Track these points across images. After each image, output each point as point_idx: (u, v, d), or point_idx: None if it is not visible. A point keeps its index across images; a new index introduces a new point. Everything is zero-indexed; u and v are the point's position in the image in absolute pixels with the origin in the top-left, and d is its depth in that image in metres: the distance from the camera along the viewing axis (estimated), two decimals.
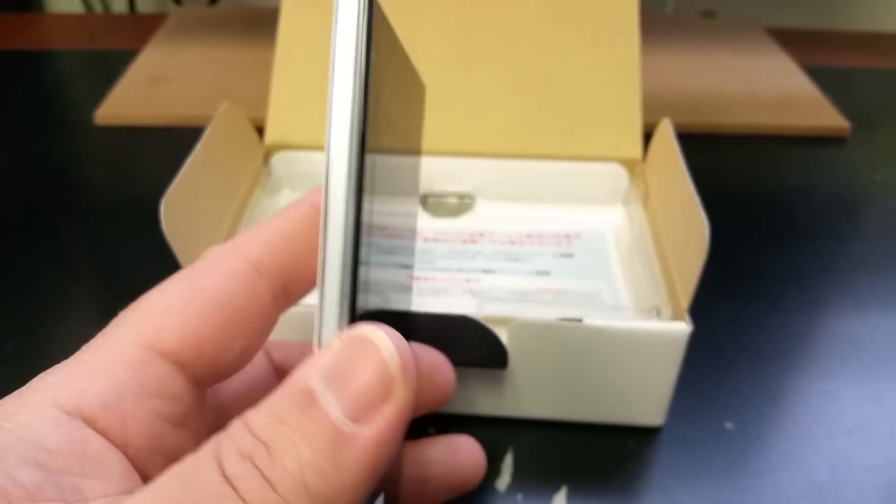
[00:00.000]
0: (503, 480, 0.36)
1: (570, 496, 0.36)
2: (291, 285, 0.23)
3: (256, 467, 0.16)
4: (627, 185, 0.49)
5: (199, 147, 0.41)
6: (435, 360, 0.29)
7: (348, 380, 0.17)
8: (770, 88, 0.72)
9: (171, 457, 0.19)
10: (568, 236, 0.47)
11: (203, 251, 0.24)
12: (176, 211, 0.37)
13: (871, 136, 0.68)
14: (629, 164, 0.49)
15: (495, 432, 0.38)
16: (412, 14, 0.52)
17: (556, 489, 0.36)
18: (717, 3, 0.97)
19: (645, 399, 0.38)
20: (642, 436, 0.39)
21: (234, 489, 0.16)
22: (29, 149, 0.63)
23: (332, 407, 0.16)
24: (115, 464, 0.18)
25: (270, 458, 0.16)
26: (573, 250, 0.46)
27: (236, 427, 0.17)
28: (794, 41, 0.82)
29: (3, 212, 0.55)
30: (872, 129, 0.69)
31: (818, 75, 0.74)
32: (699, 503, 0.36)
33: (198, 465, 0.16)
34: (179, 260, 0.36)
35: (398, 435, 0.17)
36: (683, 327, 0.35)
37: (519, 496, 0.36)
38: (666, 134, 0.43)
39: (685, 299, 0.35)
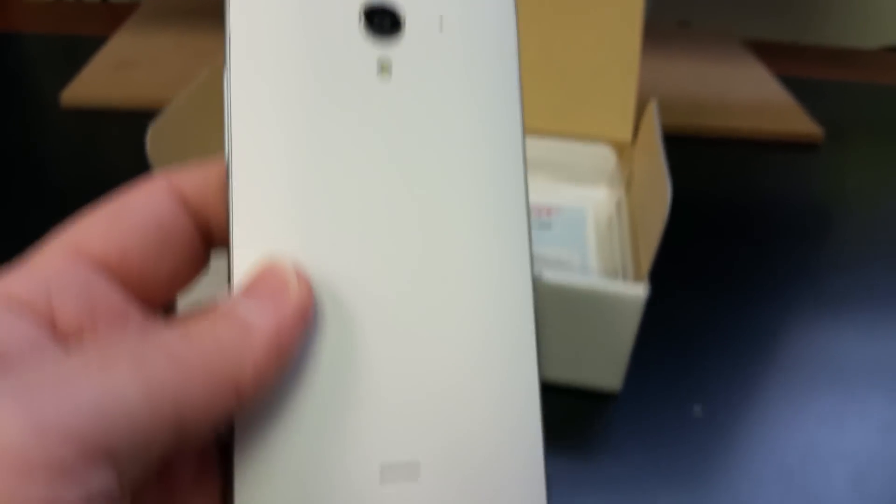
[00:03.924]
0: None
1: None
2: (214, 224, 0.24)
3: (182, 334, 0.19)
4: (614, 167, 0.50)
5: (194, 85, 0.41)
6: None
7: (254, 292, 0.20)
8: (744, 95, 0.72)
9: None
10: (549, 210, 0.48)
11: None
12: (162, 141, 0.37)
13: (844, 145, 0.68)
14: (619, 147, 0.50)
15: None
16: None
17: None
18: (692, 13, 0.97)
19: (603, 361, 0.38)
20: (602, 403, 0.39)
21: (162, 346, 0.18)
22: None
23: (241, 308, 0.20)
24: (46, 343, 0.19)
25: (188, 327, 0.19)
26: (551, 221, 0.47)
27: None
28: (768, 52, 0.82)
29: None
30: (845, 139, 0.69)
31: (792, 85, 0.75)
32: (670, 494, 0.35)
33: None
34: None
35: (296, 325, 0.20)
36: (640, 290, 0.35)
37: None
38: (650, 113, 0.44)
39: (646, 262, 0.35)
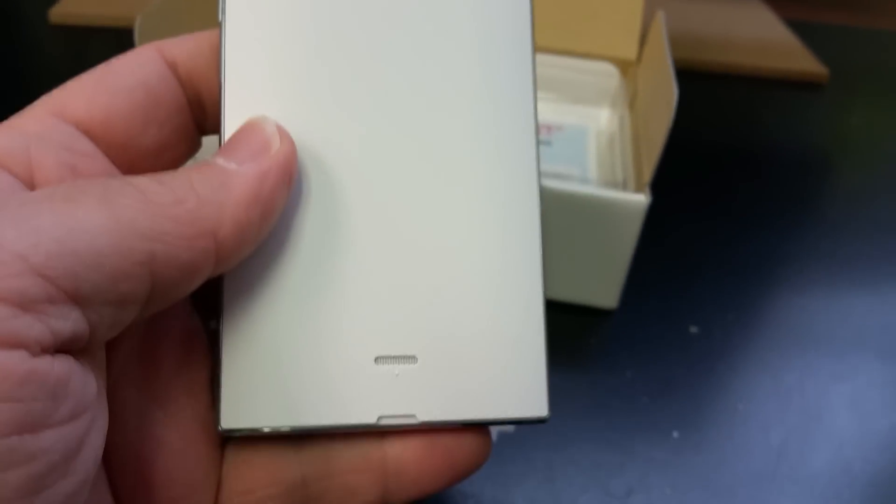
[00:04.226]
0: None
1: None
2: (205, 96, 0.22)
3: (155, 178, 0.18)
4: (617, 86, 0.48)
5: None
6: None
7: (235, 146, 0.20)
8: (750, 34, 0.71)
9: None
10: (549, 128, 0.46)
11: None
12: (152, 31, 0.35)
13: (848, 87, 0.67)
14: (623, 65, 0.48)
15: None
16: None
17: None
18: None
19: (601, 276, 0.37)
20: (598, 319, 0.38)
21: (133, 185, 0.17)
22: None
23: (221, 160, 0.19)
24: (18, 189, 0.18)
25: (165, 174, 0.18)
26: (552, 139, 0.45)
27: None
28: None
29: None
30: (850, 81, 0.68)
31: (799, 29, 0.73)
32: (666, 406, 0.34)
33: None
34: None
35: (279, 180, 0.19)
36: (642, 198, 0.34)
37: None
38: (658, 22, 0.42)
39: (648, 172, 0.34)
